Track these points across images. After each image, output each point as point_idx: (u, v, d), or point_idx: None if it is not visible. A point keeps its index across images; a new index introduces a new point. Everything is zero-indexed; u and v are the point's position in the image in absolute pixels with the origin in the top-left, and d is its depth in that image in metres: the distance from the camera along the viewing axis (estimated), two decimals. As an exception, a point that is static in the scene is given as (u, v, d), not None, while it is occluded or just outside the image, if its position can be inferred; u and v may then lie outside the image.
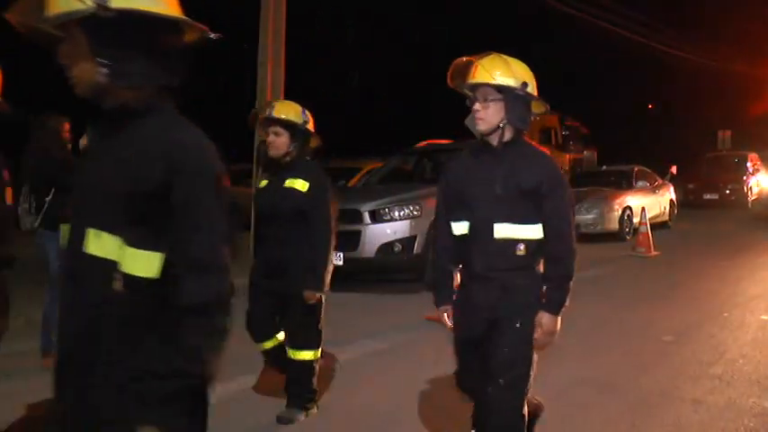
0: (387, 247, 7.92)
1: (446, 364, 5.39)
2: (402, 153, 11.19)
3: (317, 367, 4.05)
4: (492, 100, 2.69)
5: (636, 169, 14.88)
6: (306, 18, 13.80)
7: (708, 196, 19.62)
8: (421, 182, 9.78)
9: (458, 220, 2.85)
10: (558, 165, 2.89)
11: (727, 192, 19.67)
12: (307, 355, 3.94)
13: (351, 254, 7.94)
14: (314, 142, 4.07)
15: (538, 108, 2.86)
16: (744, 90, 32.53)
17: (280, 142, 3.88)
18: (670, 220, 15.35)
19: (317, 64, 22.89)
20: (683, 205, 18.05)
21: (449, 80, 2.80)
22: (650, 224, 11.69)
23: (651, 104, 41.26)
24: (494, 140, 2.75)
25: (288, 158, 3.90)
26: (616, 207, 12.96)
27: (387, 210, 8.01)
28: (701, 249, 11.78)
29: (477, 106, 2.70)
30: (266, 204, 4.00)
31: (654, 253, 10.94)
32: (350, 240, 7.96)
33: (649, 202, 13.75)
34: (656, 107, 40.63)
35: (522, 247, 2.73)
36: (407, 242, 7.90)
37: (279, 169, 3.93)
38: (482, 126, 2.72)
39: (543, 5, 18.51)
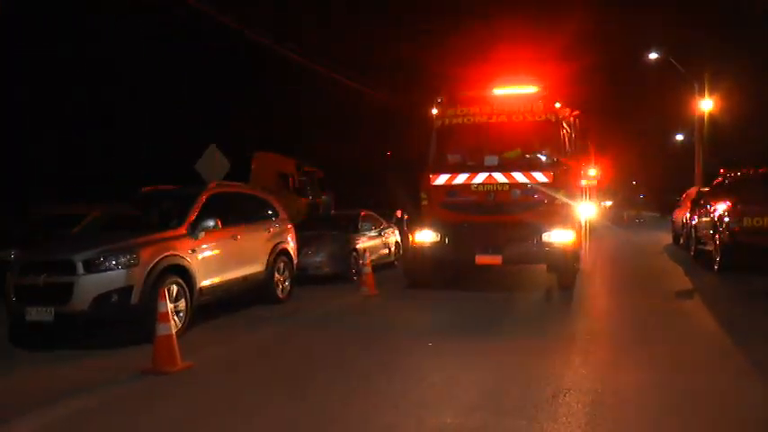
0: (102, 299, 7.65)
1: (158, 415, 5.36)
2: (127, 198, 10.84)
3: None
4: None
5: (362, 213, 16.00)
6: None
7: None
8: (147, 228, 9.54)
9: None
10: None
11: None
12: None
13: (62, 308, 7.57)
14: None
15: None
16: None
17: None
18: (396, 260, 16.66)
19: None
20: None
21: None
22: (376, 264, 12.60)
23: (389, 152, 44.17)
24: None
25: None
26: (343, 249, 13.79)
27: (102, 259, 7.75)
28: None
29: None
30: None
31: (374, 292, 11.79)
32: (60, 293, 7.59)
33: (374, 245, 14.87)
34: (394, 155, 43.55)
35: None
36: (124, 293, 7.71)
37: None
38: None
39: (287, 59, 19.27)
